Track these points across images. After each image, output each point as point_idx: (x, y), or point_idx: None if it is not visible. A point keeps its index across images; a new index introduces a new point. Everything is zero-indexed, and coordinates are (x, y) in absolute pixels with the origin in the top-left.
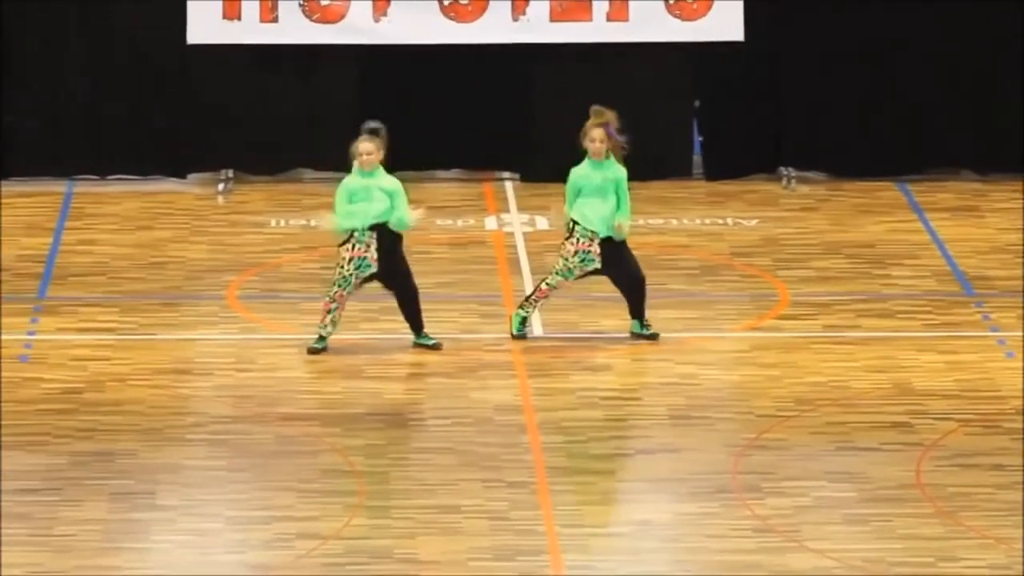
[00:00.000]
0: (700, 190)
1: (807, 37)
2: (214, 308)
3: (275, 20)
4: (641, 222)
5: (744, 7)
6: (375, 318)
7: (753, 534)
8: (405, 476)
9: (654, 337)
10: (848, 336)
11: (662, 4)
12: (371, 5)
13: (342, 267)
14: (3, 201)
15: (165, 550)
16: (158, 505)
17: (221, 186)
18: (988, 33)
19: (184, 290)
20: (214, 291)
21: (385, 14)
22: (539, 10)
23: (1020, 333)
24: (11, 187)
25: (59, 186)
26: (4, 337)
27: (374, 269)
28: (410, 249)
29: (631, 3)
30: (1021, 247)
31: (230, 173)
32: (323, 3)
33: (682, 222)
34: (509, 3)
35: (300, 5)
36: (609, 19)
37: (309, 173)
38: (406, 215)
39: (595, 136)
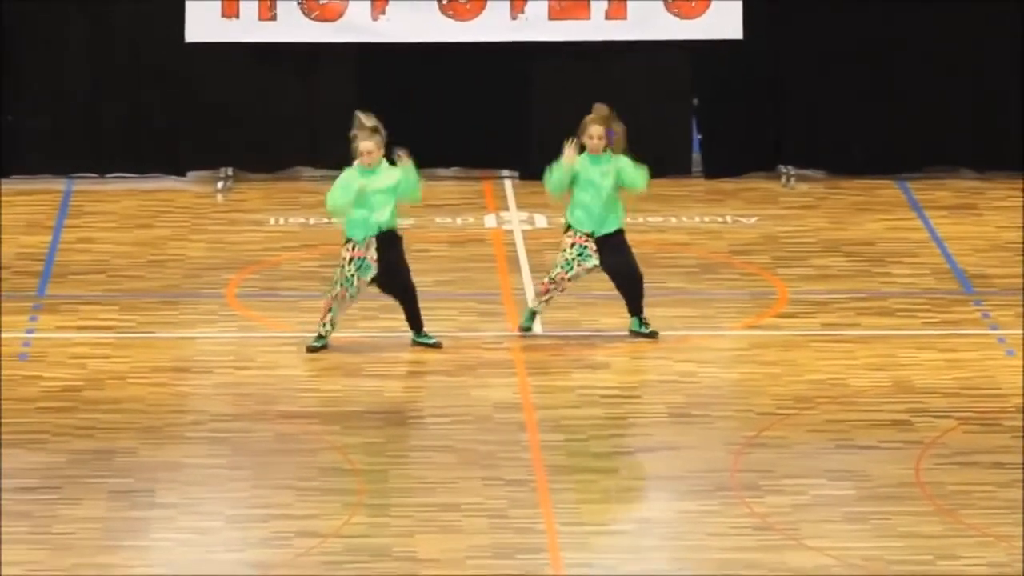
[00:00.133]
0: (699, 188)
1: (806, 35)
2: (213, 306)
3: (274, 18)
4: (640, 220)
5: (743, 5)
6: (375, 316)
7: (752, 532)
8: (404, 474)
9: (653, 336)
10: (847, 334)
11: (661, 2)
12: (370, 3)
13: (343, 267)
14: (2, 199)
15: (164, 548)
16: (157, 503)
17: (220, 184)
18: (987, 32)
19: (183, 288)
20: (213, 289)
21: (384, 12)
22: (538, 8)
23: (1020, 331)
24: (10, 185)
25: (58, 184)
26: (3, 335)
27: (374, 271)
28: (409, 247)
29: (630, 1)
30: (1020, 245)
31: (229, 171)
32: (321, 1)
33: (681, 220)
34: (508, 1)
35: (299, 3)
36: (608, 17)
37: (308, 171)
38: (417, 191)
39: (593, 133)
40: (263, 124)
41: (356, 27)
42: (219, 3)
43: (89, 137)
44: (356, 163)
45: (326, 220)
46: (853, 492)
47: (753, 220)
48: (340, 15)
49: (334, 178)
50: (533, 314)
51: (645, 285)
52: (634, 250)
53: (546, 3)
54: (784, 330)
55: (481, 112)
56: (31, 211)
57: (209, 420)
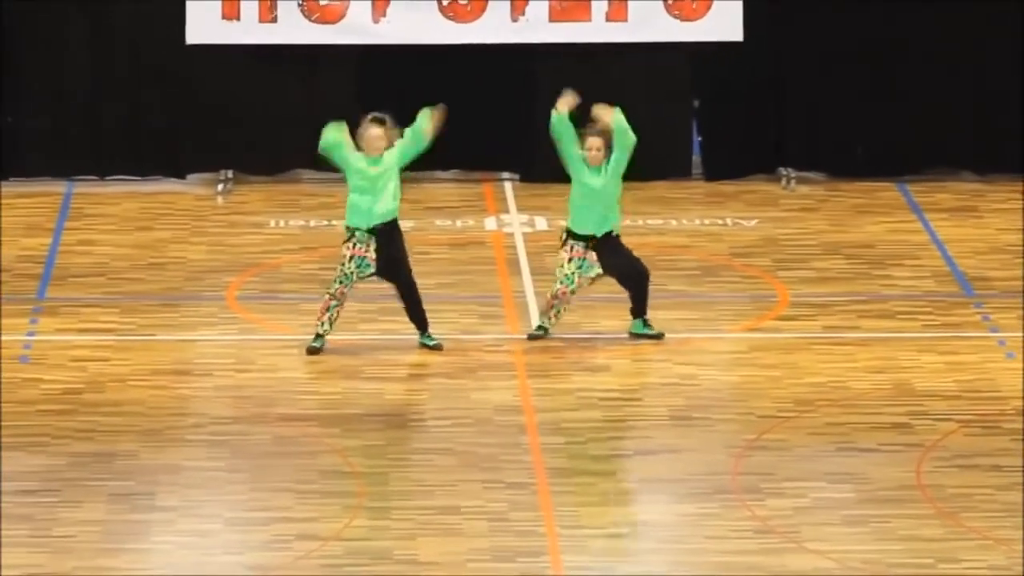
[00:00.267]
0: (699, 190)
1: (807, 37)
2: (213, 309)
3: (274, 20)
4: (640, 222)
5: (743, 7)
6: (374, 319)
7: (753, 535)
8: (404, 477)
9: (659, 337)
10: (848, 337)
11: (661, 4)
12: (370, 5)
13: (343, 264)
14: (3, 201)
15: (164, 551)
16: (157, 506)
17: (220, 187)
18: (987, 33)
19: (183, 291)
20: (213, 292)
21: (384, 14)
22: (538, 10)
23: (1020, 334)
24: (11, 187)
25: (59, 186)
26: (4, 338)
27: (373, 269)
28: (410, 250)
29: (630, 3)
30: (1021, 247)
31: (229, 174)
32: (322, 3)
33: (681, 222)
34: (508, 3)
35: (299, 5)
36: (608, 19)
37: (308, 174)
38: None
39: (592, 145)
40: (264, 126)
41: (357, 29)
42: (220, 5)
43: (89, 139)
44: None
45: (326, 222)
46: (853, 495)
47: (753, 222)
48: (341, 17)
49: (335, 180)
50: (541, 327)
51: (649, 284)
52: (634, 253)
53: (547, 5)
54: (784, 333)
55: (481, 114)
56: (31, 213)
57: (209, 423)
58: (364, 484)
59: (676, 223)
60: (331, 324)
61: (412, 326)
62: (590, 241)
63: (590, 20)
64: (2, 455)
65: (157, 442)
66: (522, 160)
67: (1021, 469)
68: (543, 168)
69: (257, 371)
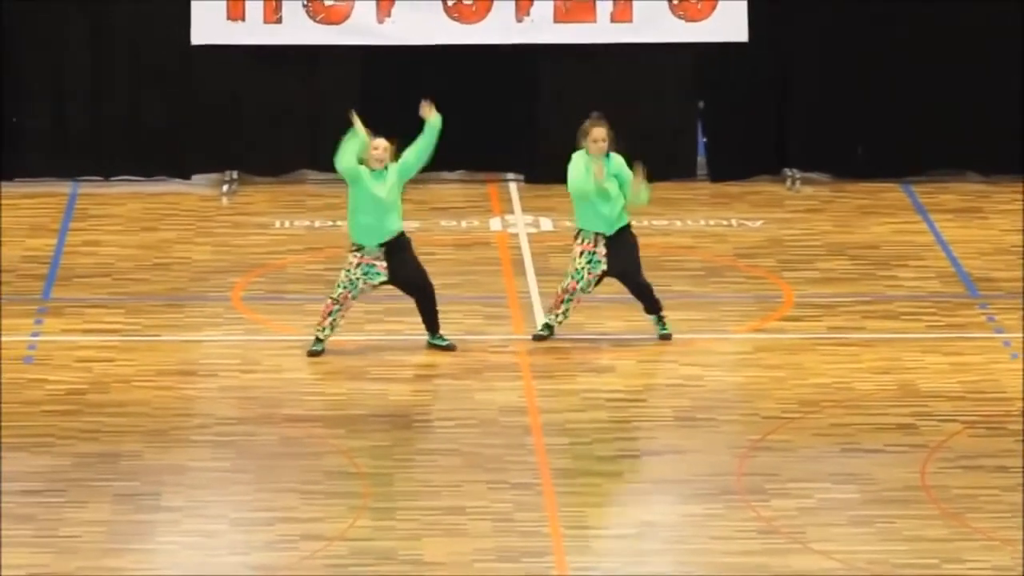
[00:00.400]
0: (704, 191)
1: (811, 38)
2: (219, 309)
3: (279, 21)
4: (645, 223)
5: (748, 8)
6: (380, 319)
7: (758, 536)
8: (410, 477)
9: (666, 338)
10: (853, 338)
11: (666, 5)
12: (375, 6)
13: (349, 271)
14: (8, 202)
15: (169, 551)
16: (162, 506)
17: (225, 187)
18: (990, 33)
19: (188, 291)
20: (219, 292)
21: (389, 15)
22: (543, 11)
23: None
24: (16, 188)
25: (63, 187)
26: (9, 338)
27: (384, 277)
28: (415, 251)
29: (635, 4)
30: None
31: (234, 174)
32: (327, 4)
33: (686, 223)
34: (513, 4)
35: (304, 6)
36: (613, 20)
37: (313, 174)
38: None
39: (598, 136)
40: (268, 127)
41: (361, 29)
42: (225, 5)
43: (94, 140)
44: (366, 164)
45: (331, 223)
46: (858, 496)
47: (758, 223)
48: (345, 17)
49: (339, 181)
50: (547, 325)
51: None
52: (640, 253)
53: (551, 5)
54: (789, 334)
55: (486, 115)
56: (36, 214)
57: (214, 423)
58: (369, 484)
59: (681, 224)
60: (332, 329)
61: (418, 326)
62: (601, 237)
63: (595, 21)
64: (7, 455)
65: (162, 442)
66: (527, 161)
67: None
68: (548, 169)
69: (262, 372)
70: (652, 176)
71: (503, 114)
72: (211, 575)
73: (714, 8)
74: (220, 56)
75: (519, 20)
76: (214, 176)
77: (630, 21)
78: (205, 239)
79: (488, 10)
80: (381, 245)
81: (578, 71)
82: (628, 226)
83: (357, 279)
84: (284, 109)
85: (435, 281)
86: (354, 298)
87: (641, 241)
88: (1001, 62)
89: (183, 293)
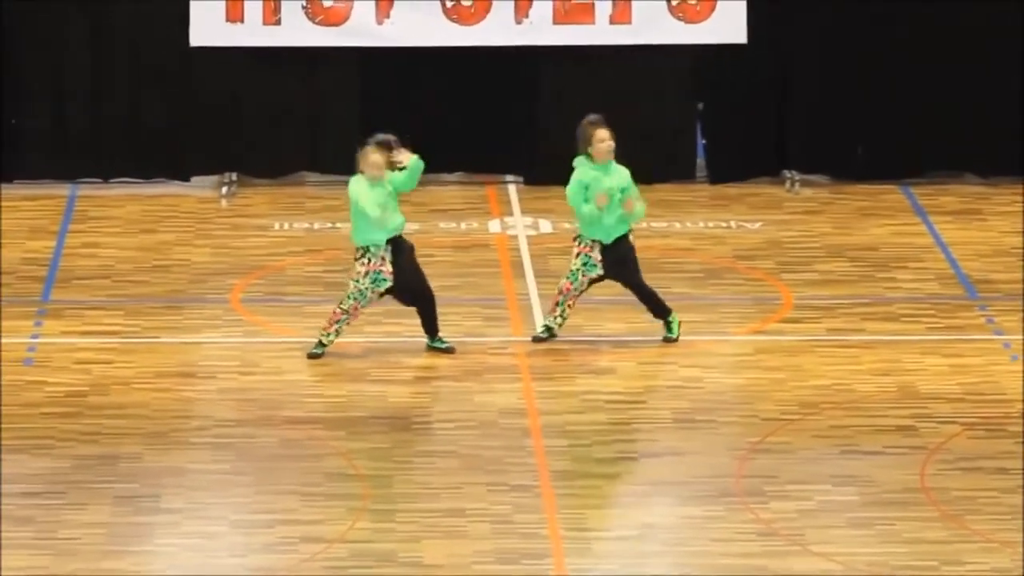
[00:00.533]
0: (703, 193)
1: (811, 39)
2: (218, 311)
3: (278, 22)
4: (644, 225)
5: (747, 9)
6: (379, 321)
7: (757, 538)
8: (409, 480)
9: (669, 340)
10: (852, 339)
11: (665, 6)
12: (374, 7)
13: (358, 281)
14: (7, 204)
15: (169, 553)
16: (162, 508)
17: (224, 189)
18: (990, 34)
19: (188, 293)
20: (218, 294)
21: (388, 16)
22: (542, 12)
23: None
24: (15, 190)
25: (63, 189)
26: (8, 340)
27: (389, 283)
28: (415, 253)
29: (634, 5)
30: None
31: (233, 176)
32: (326, 5)
33: (685, 225)
34: (512, 5)
35: (303, 7)
36: (612, 22)
37: (312, 176)
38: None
39: (603, 136)
40: (267, 129)
41: (360, 31)
42: (224, 7)
43: (93, 142)
44: (364, 174)
45: (330, 225)
46: (858, 498)
47: (757, 225)
48: (344, 19)
49: (339, 183)
50: (547, 327)
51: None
52: (638, 255)
53: (551, 7)
54: (789, 335)
55: (485, 116)
56: (35, 216)
57: (214, 425)
58: (369, 487)
59: (680, 226)
60: (336, 335)
61: (418, 329)
62: (598, 243)
63: (594, 22)
64: (6, 457)
65: (162, 444)
66: (526, 162)
67: None
68: (547, 171)
69: (262, 374)
70: (651, 178)
71: (502, 116)
72: None
73: (713, 9)
74: (220, 57)
75: (518, 21)
76: (213, 178)
77: (629, 22)
78: (204, 241)
79: (487, 11)
80: (389, 241)
81: (577, 73)
82: (628, 232)
83: (366, 289)
84: (283, 110)
85: (434, 283)
86: (363, 307)
87: (640, 243)
88: (1001, 63)
89: (182, 295)
